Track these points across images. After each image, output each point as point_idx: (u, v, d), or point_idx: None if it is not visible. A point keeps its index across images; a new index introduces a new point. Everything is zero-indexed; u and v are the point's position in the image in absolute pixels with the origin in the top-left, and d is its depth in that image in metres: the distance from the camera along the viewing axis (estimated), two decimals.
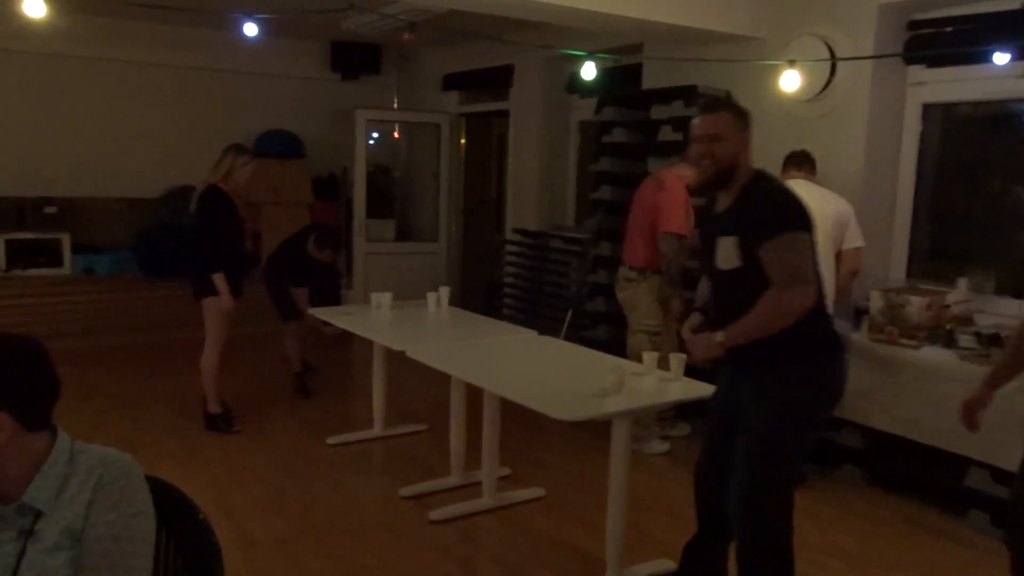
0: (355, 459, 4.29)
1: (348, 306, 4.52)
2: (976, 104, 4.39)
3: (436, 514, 3.54)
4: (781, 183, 2.54)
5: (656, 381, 3.05)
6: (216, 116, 7.37)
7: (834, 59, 4.40)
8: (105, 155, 7.05)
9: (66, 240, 6.57)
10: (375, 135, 8.22)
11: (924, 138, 4.53)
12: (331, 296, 5.49)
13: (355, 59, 7.71)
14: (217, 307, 4.40)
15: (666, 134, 5.12)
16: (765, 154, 4.85)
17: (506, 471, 4.01)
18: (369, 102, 7.77)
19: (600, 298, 5.49)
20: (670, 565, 3.15)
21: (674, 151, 5.03)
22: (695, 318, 2.73)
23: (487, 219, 8.32)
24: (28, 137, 6.76)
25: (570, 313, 5.74)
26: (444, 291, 4.59)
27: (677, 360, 3.08)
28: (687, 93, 5.01)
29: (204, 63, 7.32)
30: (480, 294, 8.06)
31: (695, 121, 2.54)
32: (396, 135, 8.46)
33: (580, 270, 5.80)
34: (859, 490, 3.95)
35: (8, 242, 6.39)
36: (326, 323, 4.36)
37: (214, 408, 4.59)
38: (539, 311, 6.65)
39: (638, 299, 4.41)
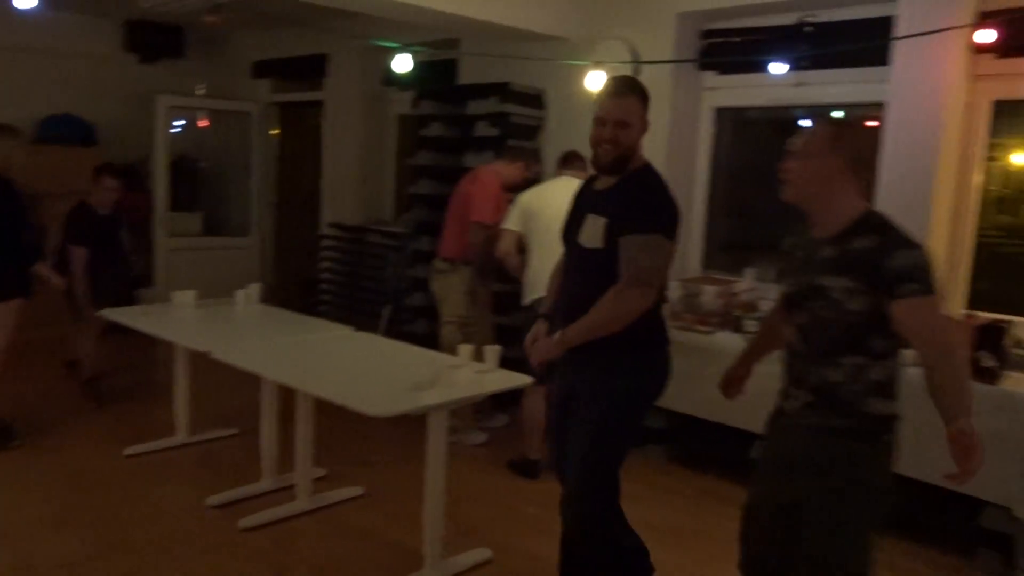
0: (157, 469, 4.00)
1: (147, 306, 4.19)
2: (762, 109, 4.80)
3: (247, 521, 3.38)
4: (665, 183, 2.51)
5: (472, 373, 3.08)
6: None
7: (636, 62, 4.64)
8: None
9: None
10: (180, 123, 7.71)
11: (717, 140, 4.89)
12: (123, 295, 5.06)
13: (154, 41, 7.17)
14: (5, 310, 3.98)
15: (482, 129, 5.19)
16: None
17: (322, 472, 3.90)
18: (171, 87, 7.26)
19: (419, 293, 5.47)
20: (489, 554, 3.19)
21: (490, 146, 5.11)
22: (541, 326, 2.71)
23: (303, 213, 8.04)
24: None
25: (389, 308, 5.69)
26: (254, 288, 4.39)
27: (492, 352, 3.13)
28: (502, 89, 5.10)
29: None
30: (296, 291, 7.80)
31: (603, 103, 2.47)
32: (202, 123, 7.97)
33: (398, 265, 5.76)
34: (662, 467, 4.22)
35: None
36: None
37: None
38: (358, 307, 6.52)
39: (448, 290, 4.46)
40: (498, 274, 4.49)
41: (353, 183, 6.84)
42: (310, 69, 7.03)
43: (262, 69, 7.50)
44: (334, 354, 3.43)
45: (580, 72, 4.71)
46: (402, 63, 4.02)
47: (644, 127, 2.50)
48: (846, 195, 1.98)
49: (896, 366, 2.02)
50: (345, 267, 6.73)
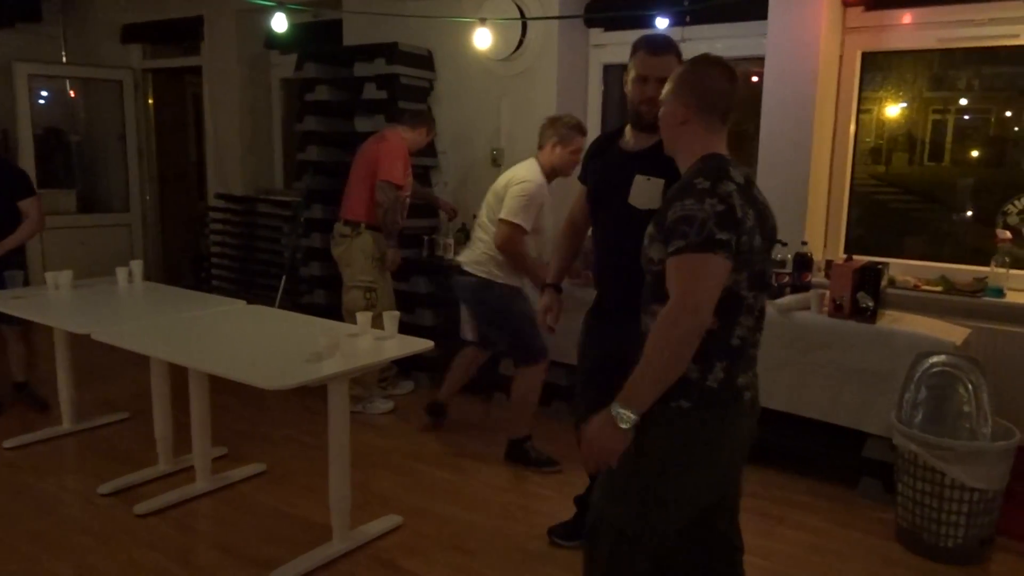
0: (41, 460, 3.78)
1: (17, 289, 3.91)
2: None
3: (142, 507, 3.25)
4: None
5: (371, 341, 3.03)
6: None
7: (523, 19, 4.61)
8: None
9: None
10: (44, 94, 7.19)
11: (606, 97, 4.93)
12: None
13: (5, 2, 6.62)
14: None
15: (371, 92, 5.05)
16: (464, 113, 5.04)
17: (222, 451, 3.78)
18: (30, 55, 6.74)
19: (315, 263, 5.34)
20: (398, 520, 3.19)
21: (380, 109, 4.99)
22: (550, 296, 2.50)
23: (187, 186, 7.69)
24: None
25: (284, 280, 5.53)
26: (136, 265, 4.16)
27: (391, 318, 3.09)
28: (389, 51, 4.97)
29: None
30: (185, 267, 7.48)
31: (644, 61, 2.41)
32: (71, 93, 7.45)
33: (292, 235, 5.59)
34: (566, 422, 4.29)
35: None
36: None
37: None
38: (252, 281, 6.32)
39: (352, 254, 4.37)
40: (402, 237, 4.43)
41: (238, 152, 6.57)
42: (185, 32, 6.66)
43: (131, 33, 7.05)
44: (226, 329, 3.30)
45: (468, 30, 4.64)
46: (279, 23, 3.84)
47: None
48: (694, 138, 1.89)
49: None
50: (236, 240, 6.48)
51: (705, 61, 1.94)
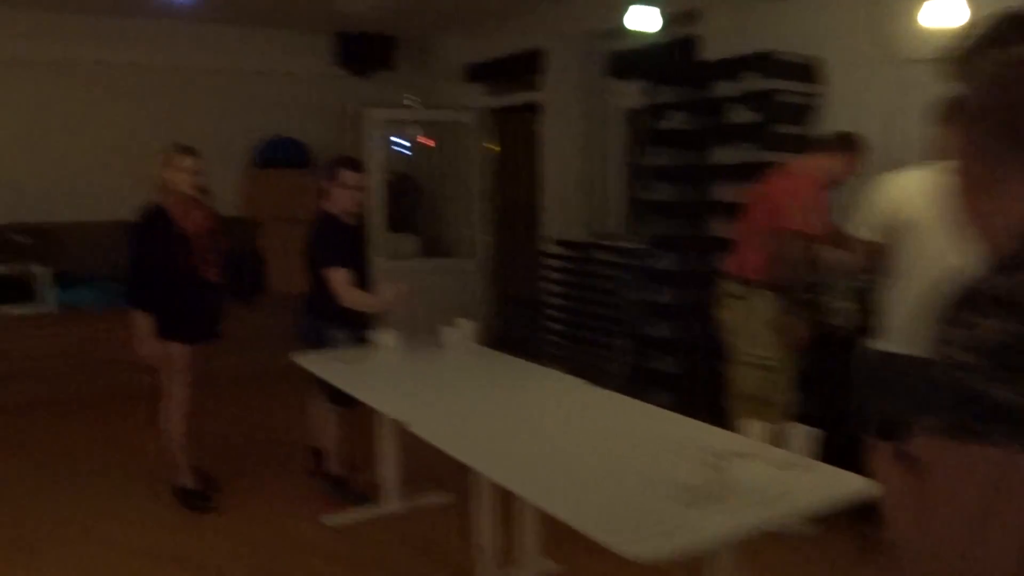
0: (358, 546, 3.33)
1: (343, 350, 3.55)
2: None
3: None
4: None
5: (772, 470, 2.04)
6: (207, 122, 6.49)
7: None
8: (82, 173, 6.20)
9: (42, 272, 5.77)
10: (400, 141, 7.33)
11: None
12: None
13: (364, 52, 6.80)
14: (170, 353, 3.56)
15: (737, 114, 4.11)
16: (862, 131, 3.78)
17: (554, 568, 3.03)
18: (382, 101, 6.84)
19: (664, 322, 4.49)
20: None
21: (748, 136, 4.03)
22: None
23: (522, 229, 7.34)
24: None
25: (625, 341, 4.74)
26: (467, 326, 3.63)
27: (801, 434, 2.08)
28: (763, 62, 3.99)
29: (189, 61, 6.47)
30: (515, 317, 7.07)
31: None
32: (425, 141, 7.52)
33: (634, 288, 4.79)
34: None
35: None
36: None
37: (185, 481, 3.70)
38: (586, 336, 5.63)
39: (746, 320, 3.40)
40: (814, 300, 3.36)
41: (574, 192, 5.99)
42: (525, 67, 6.29)
43: (474, 73, 6.89)
44: (565, 427, 2.54)
45: (867, 24, 3.47)
46: (646, 19, 3.02)
47: None
48: None
49: None
50: (569, 289, 5.88)
51: None
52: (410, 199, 7.45)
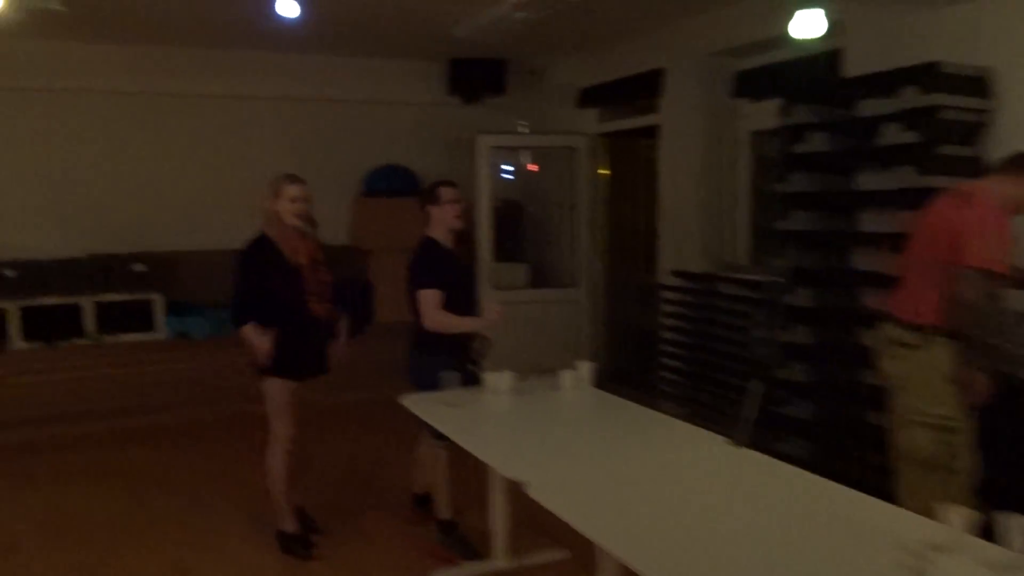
0: None
1: (453, 391, 3.29)
2: None
3: None
4: None
5: (984, 571, 1.63)
6: (318, 151, 6.47)
7: None
8: (196, 203, 6.30)
9: (158, 301, 5.84)
10: (509, 168, 7.14)
11: None
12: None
13: (476, 78, 6.65)
14: (274, 389, 3.39)
15: (891, 134, 3.65)
16: None
17: None
18: (493, 127, 6.66)
19: (799, 364, 4.04)
20: None
21: (904, 158, 3.57)
22: None
23: (636, 259, 6.97)
24: (107, 188, 6.10)
25: (758, 385, 4.30)
26: (584, 368, 3.32)
27: (1017, 526, 1.66)
28: (925, 74, 3.53)
29: (300, 92, 6.48)
30: (631, 355, 6.69)
31: None
32: (531, 167, 7.31)
33: (766, 326, 4.36)
34: None
35: (97, 305, 5.72)
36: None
37: (286, 525, 3.52)
38: (707, 374, 5.21)
39: (920, 373, 2.90)
40: (999, 349, 2.86)
41: (695, 220, 5.60)
42: (642, 89, 5.97)
43: (588, 97, 6.63)
44: (711, 503, 2.17)
45: None
46: (811, 24, 2.65)
47: None
48: None
49: None
50: (690, 324, 5.48)
51: None
52: (518, 227, 7.23)
